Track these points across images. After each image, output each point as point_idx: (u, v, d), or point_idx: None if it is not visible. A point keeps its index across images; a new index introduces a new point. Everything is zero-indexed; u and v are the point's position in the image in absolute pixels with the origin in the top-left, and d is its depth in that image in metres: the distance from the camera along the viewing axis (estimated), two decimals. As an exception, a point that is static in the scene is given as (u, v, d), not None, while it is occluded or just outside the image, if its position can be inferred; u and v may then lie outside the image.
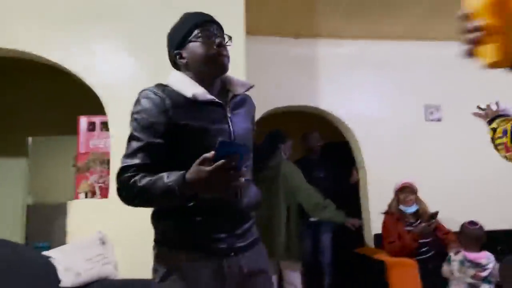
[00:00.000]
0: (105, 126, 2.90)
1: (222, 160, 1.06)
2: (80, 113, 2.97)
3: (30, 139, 4.86)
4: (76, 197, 2.79)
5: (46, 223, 4.88)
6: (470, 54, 0.80)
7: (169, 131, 1.26)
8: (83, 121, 2.92)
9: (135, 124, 1.30)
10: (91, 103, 2.97)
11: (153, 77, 2.91)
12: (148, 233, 2.75)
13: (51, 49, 2.87)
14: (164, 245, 1.35)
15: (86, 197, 2.79)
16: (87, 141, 2.89)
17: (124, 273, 2.58)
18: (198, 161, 1.10)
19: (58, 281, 2.16)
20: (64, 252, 2.39)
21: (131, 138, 1.30)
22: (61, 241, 2.70)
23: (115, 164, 2.79)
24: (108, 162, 2.82)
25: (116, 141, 2.82)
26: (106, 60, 2.92)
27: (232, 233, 1.29)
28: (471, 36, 0.80)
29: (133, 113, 1.34)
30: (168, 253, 1.33)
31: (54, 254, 2.31)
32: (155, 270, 1.35)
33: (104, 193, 2.79)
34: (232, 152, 1.07)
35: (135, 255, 2.67)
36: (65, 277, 2.21)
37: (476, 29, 0.79)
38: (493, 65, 0.81)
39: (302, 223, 3.44)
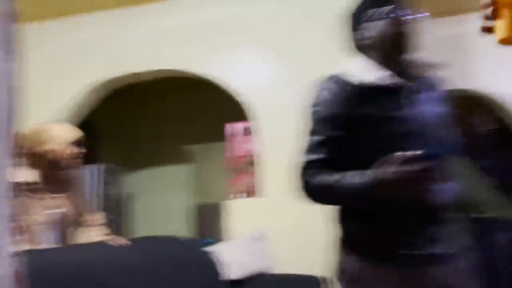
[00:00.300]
0: (251, 130, 3.12)
1: (427, 163, 0.96)
2: (231, 120, 3.25)
3: (192, 147, 5.49)
4: (232, 197, 3.06)
5: (210, 221, 5.42)
6: (486, 30, 0.78)
7: (349, 123, 1.16)
8: (233, 127, 3.19)
9: (314, 117, 1.24)
10: (240, 109, 3.22)
11: (293, 81, 3.05)
12: (301, 229, 2.87)
13: (201, 65, 3.21)
14: (346, 248, 1.26)
15: (241, 196, 3.04)
16: (238, 145, 3.15)
17: (278, 267, 2.73)
18: (397, 160, 0.99)
19: (223, 274, 2.40)
20: (227, 247, 2.64)
21: (311, 132, 1.23)
22: (224, 238, 2.99)
23: (264, 165, 2.99)
24: (256, 163, 3.03)
25: (262, 142, 3.01)
26: (247, 68, 3.14)
27: (424, 240, 1.11)
28: (486, 11, 0.73)
29: (310, 106, 1.28)
30: (349, 257, 1.23)
31: (219, 250, 2.57)
32: (337, 273, 1.27)
33: (256, 193, 3.00)
34: (439, 153, 0.99)
35: (290, 251, 2.81)
36: (228, 270, 2.44)
37: (490, 4, 0.71)
38: (504, 42, 0.78)
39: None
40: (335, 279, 1.28)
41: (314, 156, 1.18)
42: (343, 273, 1.24)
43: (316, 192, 1.19)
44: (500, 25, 0.77)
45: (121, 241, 1.91)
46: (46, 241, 1.87)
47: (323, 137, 1.18)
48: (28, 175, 1.86)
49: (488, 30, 0.81)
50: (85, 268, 1.55)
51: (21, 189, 1.83)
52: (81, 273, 1.51)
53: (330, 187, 1.13)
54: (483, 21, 0.80)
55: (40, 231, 1.86)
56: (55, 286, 1.38)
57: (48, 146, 1.86)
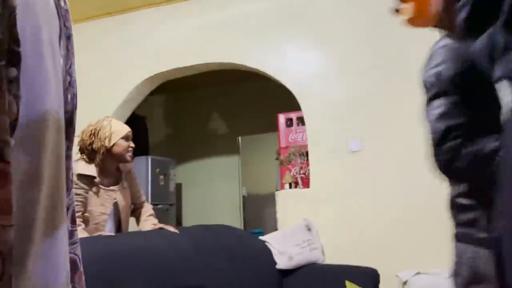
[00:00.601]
0: (300, 120, 3.08)
1: None
2: (280, 111, 3.24)
3: (240, 138, 5.54)
4: (282, 188, 3.05)
5: (259, 211, 5.46)
6: (395, 11, 0.82)
7: (475, 82, 0.95)
8: (282, 118, 3.17)
9: (436, 79, 1.05)
10: (288, 100, 3.20)
11: (340, 69, 2.98)
12: (346, 219, 2.82)
13: (249, 56, 3.21)
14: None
15: (290, 187, 3.02)
16: (287, 136, 3.13)
17: (328, 258, 2.70)
18: None
19: (274, 263, 2.41)
20: (276, 237, 2.64)
21: (436, 96, 1.04)
22: (273, 228, 2.99)
23: (313, 156, 2.96)
24: (306, 154, 2.99)
25: (311, 132, 2.97)
26: (296, 59, 3.10)
27: None
28: None
29: (430, 69, 1.09)
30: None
31: (269, 239, 2.58)
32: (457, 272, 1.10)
33: (306, 183, 2.97)
34: None
35: (337, 241, 2.77)
36: (279, 260, 2.44)
37: None
38: (411, 23, 0.84)
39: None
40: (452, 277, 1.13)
41: (450, 122, 0.97)
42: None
43: (468, 167, 0.95)
44: (408, 6, 0.82)
45: (171, 229, 1.96)
46: (104, 230, 1.95)
47: (453, 98, 0.99)
48: (85, 168, 1.94)
49: (397, 11, 0.86)
50: (144, 254, 1.60)
51: (80, 182, 1.92)
52: (140, 258, 1.56)
53: (489, 157, 0.89)
54: (396, 1, 0.83)
55: (98, 222, 1.95)
56: (114, 271, 1.43)
57: (102, 141, 1.93)
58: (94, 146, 1.94)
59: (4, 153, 0.59)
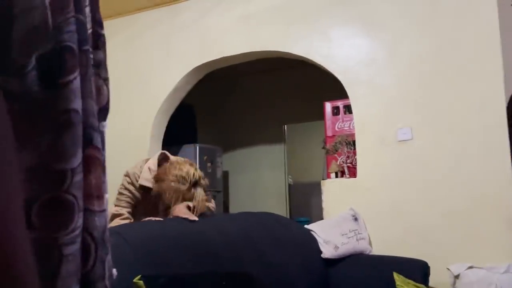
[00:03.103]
0: (348, 109, 3.03)
1: None
2: (326, 99, 3.19)
3: (285, 126, 5.53)
4: (328, 177, 3.03)
5: (304, 200, 5.46)
6: None
7: None
8: (328, 106, 3.13)
9: None
10: (335, 88, 3.15)
11: (389, 56, 2.89)
12: (394, 210, 2.76)
13: (295, 44, 3.18)
14: None
15: (336, 176, 2.99)
16: (333, 125, 3.09)
17: (375, 249, 2.66)
18: None
19: (320, 252, 2.41)
20: (322, 226, 2.63)
21: None
22: (318, 217, 2.98)
23: (360, 145, 2.90)
24: (353, 143, 2.94)
25: (359, 121, 2.92)
26: (343, 46, 3.04)
27: None
28: None
29: None
30: None
31: (314, 228, 2.58)
32: None
33: (353, 173, 2.93)
34: None
35: (385, 232, 2.72)
36: (325, 249, 2.44)
37: None
38: None
39: None
40: None
41: None
42: None
43: None
44: None
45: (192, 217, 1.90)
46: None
47: None
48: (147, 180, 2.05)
49: None
50: (193, 238, 1.66)
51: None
52: (190, 242, 1.62)
53: None
54: None
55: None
56: (166, 251, 1.49)
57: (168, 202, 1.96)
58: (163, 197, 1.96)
59: (94, 138, 0.62)
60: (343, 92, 3.00)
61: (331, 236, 2.52)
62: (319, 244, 2.46)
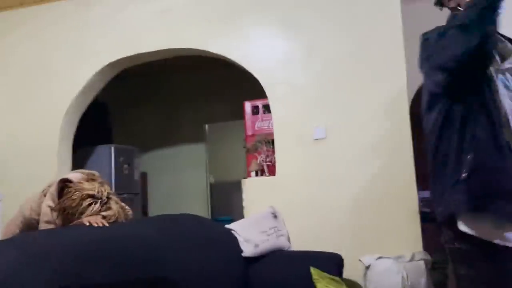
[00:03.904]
0: (267, 108, 3.08)
1: None
2: (247, 98, 3.21)
3: (206, 126, 5.49)
4: (248, 176, 3.06)
5: (226, 199, 5.46)
6: None
7: None
8: (248, 106, 3.16)
9: None
10: (255, 88, 3.18)
11: (306, 58, 2.98)
12: (311, 206, 2.86)
13: (213, 42, 3.16)
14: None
15: (256, 175, 3.03)
16: (253, 124, 3.12)
17: (294, 245, 2.74)
18: None
19: (240, 251, 2.42)
20: (242, 225, 2.64)
21: None
22: (240, 215, 3.00)
23: (279, 144, 2.97)
24: (272, 142, 3.00)
25: (277, 120, 2.98)
26: (262, 46, 3.08)
27: None
28: None
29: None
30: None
31: (235, 227, 2.58)
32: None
33: (272, 171, 2.99)
34: None
35: (302, 228, 2.81)
36: (245, 247, 2.45)
37: None
38: None
39: None
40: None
41: None
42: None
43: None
44: None
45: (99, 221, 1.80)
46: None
47: None
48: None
49: None
50: (108, 243, 1.57)
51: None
52: (104, 248, 1.53)
53: None
54: None
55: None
56: (78, 260, 1.39)
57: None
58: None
59: None
60: (263, 92, 3.04)
61: (251, 235, 2.54)
62: (240, 243, 2.46)
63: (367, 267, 2.50)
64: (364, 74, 2.85)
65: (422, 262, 2.46)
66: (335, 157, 2.84)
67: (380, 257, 2.51)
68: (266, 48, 3.07)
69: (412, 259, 2.47)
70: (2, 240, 1.64)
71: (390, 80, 2.80)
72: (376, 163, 2.75)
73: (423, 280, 2.39)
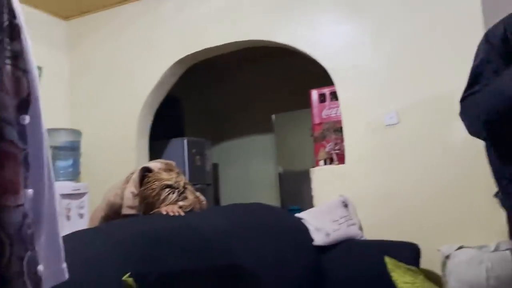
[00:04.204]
0: (334, 95, 3.02)
1: None
2: (313, 87, 3.18)
3: (273, 116, 5.51)
4: (317, 164, 3.03)
5: (295, 188, 5.46)
6: None
7: None
8: (315, 94, 3.12)
9: None
10: (321, 75, 3.13)
11: (374, 41, 2.87)
12: (384, 195, 2.77)
13: (278, 32, 3.15)
14: None
15: (325, 164, 2.99)
16: (320, 112, 3.08)
17: (366, 234, 2.68)
18: None
19: (311, 240, 2.41)
20: (313, 214, 2.64)
21: None
22: (310, 204, 2.99)
23: (347, 131, 2.90)
24: (340, 129, 2.94)
25: (345, 108, 2.91)
26: (327, 32, 3.01)
27: None
28: None
29: None
30: None
31: (305, 216, 2.58)
32: None
33: (341, 159, 2.93)
34: None
35: (375, 217, 2.74)
36: (316, 236, 2.44)
37: None
38: None
39: None
40: None
41: None
42: None
43: None
44: None
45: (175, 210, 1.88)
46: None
47: None
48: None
49: None
50: (183, 232, 1.64)
51: None
52: (179, 236, 1.60)
53: None
54: None
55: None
56: (155, 248, 1.48)
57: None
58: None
59: (6, 133, 0.59)
60: (330, 79, 2.98)
61: (322, 223, 2.52)
62: (311, 232, 2.46)
63: (447, 257, 2.37)
64: (435, 54, 2.68)
65: (508, 252, 2.29)
66: (408, 144, 2.71)
67: (461, 247, 2.37)
68: (332, 34, 3.00)
69: (497, 249, 2.30)
70: (91, 228, 1.79)
71: (467, 60, 2.60)
72: (455, 148, 2.59)
73: (510, 270, 2.22)
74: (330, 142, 2.99)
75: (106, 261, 1.31)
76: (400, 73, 2.78)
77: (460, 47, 2.62)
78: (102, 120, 3.70)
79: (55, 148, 3.34)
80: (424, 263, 2.34)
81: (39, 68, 3.48)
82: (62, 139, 3.44)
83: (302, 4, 3.09)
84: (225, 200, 5.46)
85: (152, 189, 1.90)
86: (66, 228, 2.99)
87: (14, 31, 0.64)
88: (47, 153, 0.71)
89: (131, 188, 1.96)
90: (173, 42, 3.52)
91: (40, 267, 0.64)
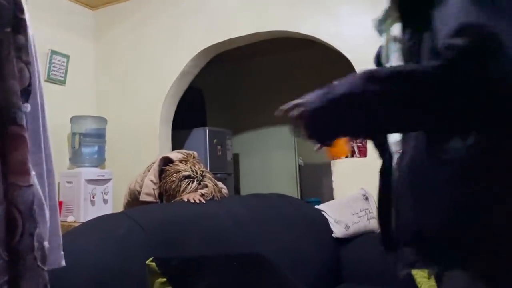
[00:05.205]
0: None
1: None
2: (335, 78, 3.15)
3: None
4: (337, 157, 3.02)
5: (315, 181, 5.46)
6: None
7: None
8: (337, 86, 3.09)
9: None
10: (344, 67, 3.10)
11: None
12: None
13: (302, 23, 3.13)
14: None
15: (346, 156, 2.98)
16: (342, 104, 3.06)
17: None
18: None
19: (331, 232, 2.42)
20: (333, 206, 2.64)
21: None
22: (329, 197, 2.99)
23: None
24: (363, 122, 2.92)
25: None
26: (351, 24, 2.98)
27: None
28: None
29: None
30: None
31: (325, 208, 2.59)
32: None
33: (363, 152, 2.92)
34: None
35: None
36: (336, 228, 2.45)
37: None
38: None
39: None
40: None
41: None
42: None
43: None
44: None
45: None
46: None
47: None
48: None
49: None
50: (203, 220, 1.68)
51: None
52: (200, 224, 1.64)
53: None
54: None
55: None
56: (176, 234, 1.51)
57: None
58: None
59: (17, 117, 0.63)
60: (352, 71, 2.95)
61: (342, 216, 2.53)
62: (330, 224, 2.47)
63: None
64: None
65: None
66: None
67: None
68: (356, 26, 2.97)
69: None
70: (115, 213, 1.84)
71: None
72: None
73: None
74: (352, 135, 2.97)
75: (130, 245, 1.36)
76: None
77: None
78: (127, 108, 3.77)
79: (81, 135, 3.43)
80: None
81: (67, 56, 3.57)
82: (88, 126, 3.53)
83: (327, -5, 3.06)
84: (245, 191, 5.50)
85: (172, 181, 1.96)
86: (90, 213, 3.09)
87: (20, 25, 0.67)
88: (48, 141, 0.75)
89: (151, 176, 2.04)
90: (198, 32, 3.54)
91: (46, 243, 0.69)
